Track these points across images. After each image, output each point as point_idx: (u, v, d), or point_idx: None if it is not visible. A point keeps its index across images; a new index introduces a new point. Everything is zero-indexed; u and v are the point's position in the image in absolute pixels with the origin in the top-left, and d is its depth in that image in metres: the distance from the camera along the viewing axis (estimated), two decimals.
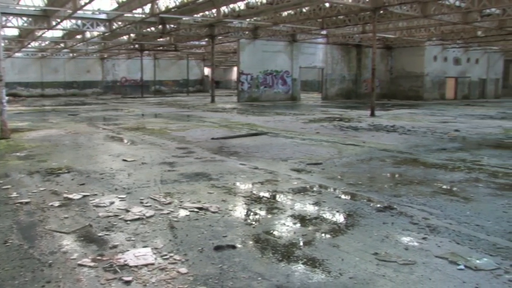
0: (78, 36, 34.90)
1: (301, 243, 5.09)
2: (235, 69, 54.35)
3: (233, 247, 4.92)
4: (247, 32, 33.52)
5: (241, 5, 23.93)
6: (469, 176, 8.80)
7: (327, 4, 23.00)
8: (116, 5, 23.64)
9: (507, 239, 5.30)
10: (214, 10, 25.02)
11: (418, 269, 4.42)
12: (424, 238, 5.27)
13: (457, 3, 21.80)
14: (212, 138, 13.73)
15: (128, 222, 5.73)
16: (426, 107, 31.11)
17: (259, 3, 22.69)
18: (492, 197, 7.18)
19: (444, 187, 7.91)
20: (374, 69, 22.57)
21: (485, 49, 43.10)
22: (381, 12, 22.60)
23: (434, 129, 16.79)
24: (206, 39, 36.94)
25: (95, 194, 7.06)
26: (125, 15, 25.48)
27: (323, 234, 5.40)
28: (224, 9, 24.77)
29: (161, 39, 37.97)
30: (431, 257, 4.72)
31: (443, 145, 12.95)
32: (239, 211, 6.35)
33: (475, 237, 5.33)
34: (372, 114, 22.42)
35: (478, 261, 4.60)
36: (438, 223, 5.84)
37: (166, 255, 4.66)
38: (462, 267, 4.47)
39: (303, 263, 4.52)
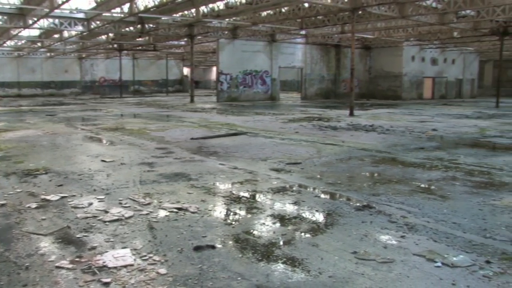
0: (56, 35, 34.51)
1: (281, 243, 5.10)
2: (214, 69, 54.18)
3: (213, 247, 4.91)
4: (226, 32, 33.49)
5: (220, 5, 23.91)
6: (446, 174, 8.92)
7: (306, 4, 23.09)
8: (94, 4, 23.41)
9: (482, 236, 5.40)
10: (193, 10, 24.94)
11: (396, 267, 4.47)
12: (402, 237, 5.33)
13: (434, 4, 22.08)
14: (192, 138, 13.70)
15: (107, 223, 5.69)
16: (404, 106, 31.43)
17: (238, 3, 22.68)
18: (468, 195, 7.29)
19: (422, 185, 8.01)
20: (353, 69, 22.74)
21: (461, 49, 43.71)
22: (360, 12, 22.76)
23: (412, 129, 16.98)
24: (186, 39, 36.80)
25: (74, 195, 6.99)
26: (104, 14, 25.26)
27: (302, 234, 5.43)
28: (203, 9, 24.72)
29: (140, 39, 37.72)
30: (409, 255, 4.78)
31: (421, 144, 13.10)
32: (219, 211, 6.35)
33: (452, 235, 5.41)
34: (351, 114, 22.58)
35: (454, 258, 4.68)
36: (416, 221, 5.91)
37: (145, 256, 4.64)
38: (439, 264, 4.54)
39: (282, 263, 4.54)
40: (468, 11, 23.69)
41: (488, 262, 4.61)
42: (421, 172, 9.10)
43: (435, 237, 5.32)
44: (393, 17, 23.03)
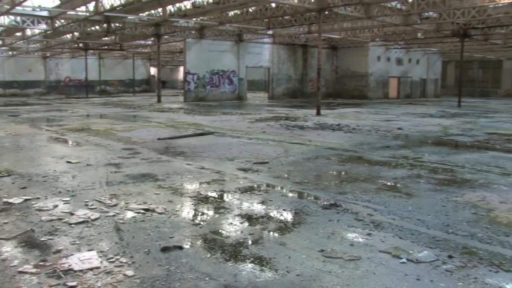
0: (18, 34, 33.71)
1: (249, 242, 5.12)
2: (181, 68, 53.85)
3: (180, 247, 4.90)
4: (193, 32, 33.33)
5: (187, 5, 23.78)
6: (411, 172, 9.09)
7: (273, 5, 23.16)
8: (58, 2, 22.99)
9: (445, 231, 5.54)
10: (160, 9, 24.72)
11: (363, 264, 4.54)
12: (368, 234, 5.42)
13: (399, 6, 22.42)
14: (159, 139, 13.60)
15: (73, 225, 5.61)
16: (370, 106, 31.85)
17: (205, 3, 22.61)
18: (432, 192, 7.45)
19: (388, 183, 8.14)
20: (319, 68, 22.94)
21: (424, 50, 44.58)
22: (326, 12, 22.94)
23: (378, 127, 17.23)
24: (152, 39, 36.48)
25: (38, 198, 6.86)
26: (68, 12, 24.80)
27: (270, 233, 5.46)
28: (170, 8, 24.54)
29: (106, 38, 37.20)
30: (376, 252, 4.86)
31: (386, 143, 13.31)
32: (186, 211, 6.33)
33: (417, 231, 5.53)
34: (318, 113, 22.76)
35: (419, 254, 4.79)
36: (382, 219, 6.01)
37: (112, 258, 4.59)
38: (404, 260, 4.64)
39: (250, 262, 4.56)
40: (431, 13, 24.19)
41: (450, 256, 4.73)
42: (387, 171, 9.25)
43: (401, 234, 5.43)
44: (359, 17, 23.29)
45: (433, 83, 48.63)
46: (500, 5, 20.67)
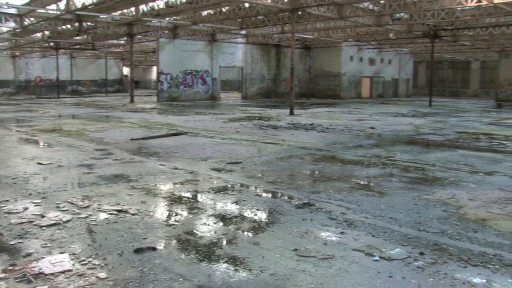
0: None
1: (222, 242, 5.13)
2: (154, 68, 53.37)
3: (154, 249, 4.88)
4: (166, 32, 33.13)
5: (160, 4, 23.61)
6: (383, 171, 9.21)
7: (246, 4, 23.18)
8: (27, 0, 22.60)
9: (416, 229, 5.63)
10: (132, 9, 24.50)
11: (336, 263, 4.59)
12: (342, 233, 5.47)
13: (371, 7, 22.66)
14: (132, 139, 13.50)
15: (44, 228, 5.53)
16: (343, 105, 32.12)
17: (178, 2, 22.48)
18: (404, 191, 7.57)
19: (361, 182, 8.23)
20: (293, 68, 23.05)
21: (396, 50, 45.18)
22: (299, 13, 23.07)
23: (351, 127, 17.39)
24: (125, 38, 36.15)
25: (7, 200, 6.74)
26: (38, 10, 24.40)
27: (243, 233, 5.47)
28: (143, 7, 24.33)
29: (78, 37, 36.67)
30: (349, 251, 4.92)
31: (359, 142, 13.44)
32: (160, 212, 6.30)
33: (389, 229, 5.61)
34: (291, 113, 22.86)
35: (391, 252, 4.86)
36: (355, 217, 6.08)
37: (84, 260, 4.54)
38: (377, 258, 4.71)
39: (224, 262, 4.56)
40: (402, 14, 24.53)
41: (422, 253, 4.82)
42: (360, 169, 9.35)
43: (373, 232, 5.50)
44: (332, 18, 23.46)
45: (404, 83, 49.31)
46: (467, 8, 21.11)
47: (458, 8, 21.46)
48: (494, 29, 27.61)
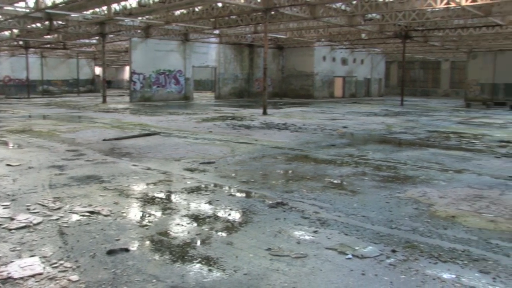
0: None
1: (196, 243, 5.12)
2: (127, 68, 52.93)
3: (127, 250, 4.84)
4: (139, 31, 32.85)
5: (132, 3, 23.41)
6: (356, 170, 9.30)
7: (219, 4, 23.14)
8: None
9: (388, 227, 5.71)
10: (104, 8, 24.23)
11: (309, 262, 4.63)
12: (315, 232, 5.51)
13: (343, 7, 22.84)
14: (104, 140, 13.35)
15: (13, 231, 5.43)
16: (316, 105, 32.31)
17: (151, 2, 22.33)
18: (376, 189, 7.66)
19: (334, 181, 8.30)
20: (266, 68, 23.10)
21: (368, 50, 45.66)
22: (272, 13, 23.13)
23: (323, 126, 17.51)
24: (97, 37, 35.73)
25: None
26: (5, 8, 23.86)
27: (217, 233, 5.47)
28: (115, 6, 24.10)
29: (48, 36, 36.10)
30: (322, 249, 4.96)
31: (332, 141, 13.54)
32: (132, 213, 6.25)
33: (362, 228, 5.67)
34: (265, 113, 22.90)
35: (364, 250, 4.93)
36: (328, 216, 6.13)
37: (55, 263, 4.48)
38: (350, 256, 4.76)
39: (198, 263, 4.56)
40: (374, 15, 24.77)
41: (393, 251, 4.90)
42: (333, 169, 9.43)
43: (346, 231, 5.56)
44: (305, 18, 23.57)
45: (377, 82, 49.86)
46: (437, 9, 21.47)
47: (428, 10, 21.78)
48: (462, 31, 28.14)
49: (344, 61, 44.79)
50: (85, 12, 25.06)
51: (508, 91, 37.22)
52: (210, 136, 14.48)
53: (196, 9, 24.92)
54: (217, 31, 33.26)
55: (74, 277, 4.17)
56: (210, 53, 39.00)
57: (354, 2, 21.75)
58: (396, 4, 20.89)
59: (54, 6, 21.63)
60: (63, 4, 21.45)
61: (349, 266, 4.54)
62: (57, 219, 5.83)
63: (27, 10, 23.09)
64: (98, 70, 59.13)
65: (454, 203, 6.83)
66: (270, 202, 6.80)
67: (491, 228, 5.74)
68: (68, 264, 4.45)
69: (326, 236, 5.36)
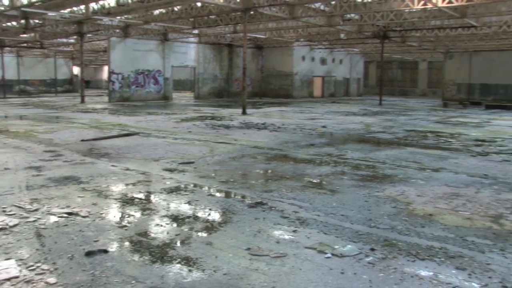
0: None
1: (175, 243, 5.10)
2: (106, 68, 52.38)
3: (105, 251, 4.80)
4: (117, 30, 32.56)
5: (111, 2, 23.20)
6: (335, 169, 9.36)
7: (198, 4, 23.05)
8: None
9: (367, 226, 5.76)
10: (82, 7, 23.97)
11: (289, 261, 4.64)
12: (294, 231, 5.53)
13: (322, 7, 22.94)
14: (82, 140, 13.22)
15: None
16: (296, 104, 32.41)
17: (129, 1, 22.16)
18: (355, 188, 7.72)
19: (313, 181, 8.34)
20: (245, 68, 23.11)
21: (347, 50, 45.92)
22: (252, 13, 23.13)
23: (303, 126, 17.58)
24: (75, 37, 35.31)
25: None
26: None
27: (196, 233, 5.46)
28: (93, 5, 23.86)
29: (24, 35, 35.52)
30: (301, 249, 4.98)
31: (311, 141, 13.60)
32: (111, 214, 6.20)
33: (341, 227, 5.71)
34: (244, 112, 22.91)
35: (343, 249, 4.96)
36: (307, 215, 6.15)
37: (32, 265, 4.42)
38: (329, 255, 4.79)
39: (177, 263, 4.55)
40: (352, 15, 24.94)
41: (372, 249, 4.94)
42: (312, 168, 9.47)
43: (325, 230, 5.59)
44: (284, 18, 23.62)
45: (355, 82, 50.19)
46: (414, 10, 21.73)
47: (406, 10, 22.00)
48: (439, 31, 28.49)
49: (323, 61, 44.99)
50: (62, 11, 24.75)
51: (483, 91, 37.86)
52: (189, 136, 14.43)
53: (175, 9, 24.80)
54: (196, 31, 33.16)
55: (52, 280, 4.12)
56: (189, 53, 38.86)
57: (333, 2, 21.86)
58: (374, 5, 21.08)
59: (30, 4, 21.31)
60: (40, 3, 21.14)
61: (328, 265, 4.57)
62: (34, 221, 5.76)
63: (2, 8, 22.68)
64: (76, 70, 58.46)
65: (432, 202, 6.92)
66: (250, 202, 6.81)
67: (467, 226, 5.83)
68: (45, 267, 4.40)
69: (306, 235, 5.39)
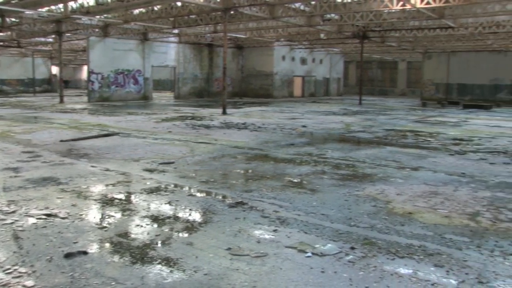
0: None
1: (156, 244, 5.08)
2: (85, 68, 51.76)
3: (85, 253, 4.76)
4: (97, 30, 32.28)
5: (90, 1, 22.99)
6: (315, 169, 9.40)
7: (178, 3, 22.96)
8: None
9: (347, 224, 5.80)
10: (61, 5, 23.67)
11: (270, 260, 4.65)
12: (275, 231, 5.55)
13: (302, 7, 23.02)
14: (61, 141, 13.08)
15: None
16: (276, 104, 32.46)
17: (109, 0, 22.00)
18: (335, 188, 7.76)
19: (293, 180, 8.36)
20: (225, 68, 23.10)
21: (327, 50, 46.14)
22: (232, 12, 23.12)
23: (283, 126, 17.62)
24: (53, 36, 34.91)
25: None
26: None
27: (177, 233, 5.44)
28: (72, 4, 23.58)
29: (1, 34, 35.05)
30: (282, 248, 4.99)
31: (291, 140, 13.65)
32: (91, 215, 6.15)
33: (321, 226, 5.74)
34: (224, 112, 22.89)
35: (323, 248, 4.99)
36: (287, 215, 6.17)
37: (9, 269, 4.36)
38: (309, 254, 4.82)
39: (158, 264, 4.53)
40: (332, 15, 25.07)
41: (352, 248, 4.98)
42: (292, 168, 9.50)
43: (306, 229, 5.61)
44: (264, 18, 23.67)
45: (335, 82, 50.46)
46: (393, 10, 21.95)
47: (385, 11, 22.21)
48: (418, 32, 28.82)
49: (303, 61, 45.15)
50: (40, 10, 24.43)
51: (461, 90, 38.41)
52: (169, 136, 14.37)
53: (155, 8, 24.67)
54: (176, 31, 33.03)
55: (29, 283, 4.07)
56: (169, 53, 38.68)
57: (313, 2, 21.96)
58: (354, 5, 21.24)
59: (6, 2, 21.00)
60: (16, 1, 20.84)
61: (308, 264, 4.59)
62: (11, 223, 5.68)
63: None
64: (55, 70, 57.78)
65: (411, 200, 7.00)
66: (230, 201, 6.81)
67: (446, 224, 5.91)
68: (23, 270, 4.34)
69: (286, 235, 5.40)
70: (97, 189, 7.58)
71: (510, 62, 36.42)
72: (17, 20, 27.68)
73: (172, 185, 7.88)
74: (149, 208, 6.47)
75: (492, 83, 37.16)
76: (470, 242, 5.25)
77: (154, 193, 7.26)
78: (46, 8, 24.33)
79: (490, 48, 35.55)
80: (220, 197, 7.10)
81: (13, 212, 6.14)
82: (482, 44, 33.72)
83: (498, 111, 28.02)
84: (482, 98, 36.00)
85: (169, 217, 6.04)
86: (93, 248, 4.92)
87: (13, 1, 21.03)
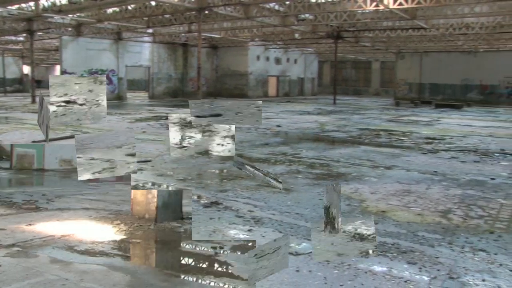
0: None
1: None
2: (58, 67, 51.03)
3: None
4: (70, 29, 31.83)
5: (63, 0, 22.69)
6: (290, 168, 9.45)
7: (153, 3, 22.82)
8: None
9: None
10: (32, 3, 23.30)
11: None
12: (249, 230, 5.57)
13: (277, 7, 23.09)
14: (33, 141, 12.88)
15: None
16: None
17: None
18: (310, 187, 7.82)
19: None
20: (199, 68, 23.07)
21: (302, 50, 46.36)
22: (206, 12, 23.06)
23: (257, 125, 17.62)
24: (24, 35, 34.32)
25: None
26: None
27: None
28: (43, 2, 23.23)
29: None
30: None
31: (266, 140, 13.69)
32: None
33: (296, 225, 5.78)
34: None
35: (298, 247, 5.02)
36: (262, 214, 6.20)
37: None
38: None
39: None
40: (307, 15, 25.20)
41: None
42: (267, 167, 9.51)
43: (280, 228, 5.64)
44: (239, 17, 23.68)
45: (310, 82, 50.72)
46: (367, 11, 22.18)
47: (359, 11, 22.43)
48: (391, 32, 29.18)
49: (278, 61, 45.26)
50: (10, 7, 23.97)
51: (433, 90, 39.01)
52: (143, 136, 14.27)
53: (129, 8, 24.46)
54: (150, 30, 32.81)
55: None
56: (143, 53, 38.39)
57: (288, 2, 22.06)
58: (328, 5, 21.41)
59: None
60: None
61: None
62: None
63: None
64: (26, 69, 56.81)
65: (385, 199, 7.09)
66: (205, 201, 6.80)
67: (418, 221, 6.00)
68: None
69: (261, 234, 5.42)
70: None
71: (480, 63, 37.14)
72: None
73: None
74: None
75: (463, 83, 37.84)
76: (442, 239, 5.35)
77: None
78: (17, 6, 23.88)
79: (461, 49, 36.23)
80: (196, 197, 7.08)
81: None
82: (453, 45, 34.36)
83: (468, 111, 28.56)
84: (454, 98, 36.59)
85: None
86: None
87: None
